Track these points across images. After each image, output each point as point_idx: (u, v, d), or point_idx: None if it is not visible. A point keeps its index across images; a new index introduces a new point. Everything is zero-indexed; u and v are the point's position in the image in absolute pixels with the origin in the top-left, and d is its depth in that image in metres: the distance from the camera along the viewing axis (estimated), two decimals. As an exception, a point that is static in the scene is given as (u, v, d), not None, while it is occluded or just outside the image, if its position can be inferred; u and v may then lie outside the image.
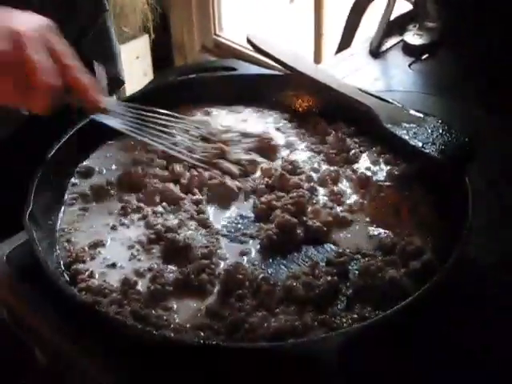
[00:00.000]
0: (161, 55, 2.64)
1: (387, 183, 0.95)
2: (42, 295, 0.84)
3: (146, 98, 1.05)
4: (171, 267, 0.86)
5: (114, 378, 0.77)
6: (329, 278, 0.82)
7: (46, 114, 0.86)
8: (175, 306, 0.82)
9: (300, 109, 1.10)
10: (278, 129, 1.07)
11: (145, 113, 0.95)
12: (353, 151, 1.02)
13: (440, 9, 1.35)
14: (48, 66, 0.82)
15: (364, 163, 1.01)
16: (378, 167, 1.00)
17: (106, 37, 1.24)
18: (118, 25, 2.44)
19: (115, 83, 1.28)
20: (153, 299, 0.82)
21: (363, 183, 0.97)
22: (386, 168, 0.99)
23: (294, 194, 0.93)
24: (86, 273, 0.85)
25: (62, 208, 0.94)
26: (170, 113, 0.98)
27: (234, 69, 1.12)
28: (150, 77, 2.63)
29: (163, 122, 0.96)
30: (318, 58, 2.21)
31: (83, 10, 1.17)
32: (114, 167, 1.01)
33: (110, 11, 1.23)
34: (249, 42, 1.13)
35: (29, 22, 0.82)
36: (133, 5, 2.42)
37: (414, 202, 0.92)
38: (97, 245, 0.89)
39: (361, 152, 1.03)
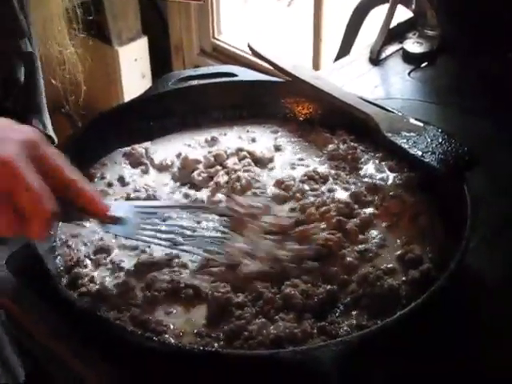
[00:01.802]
0: (159, 58, 2.64)
1: (391, 193, 0.95)
2: (42, 299, 0.84)
3: (144, 106, 1.06)
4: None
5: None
6: (328, 286, 0.83)
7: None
8: (174, 312, 0.82)
9: (301, 116, 1.11)
10: (279, 148, 1.06)
11: (158, 210, 0.90)
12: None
13: (440, 17, 1.35)
14: (44, 191, 0.73)
15: (368, 170, 1.01)
16: (383, 174, 1.00)
17: (36, 92, 1.16)
18: (117, 27, 2.46)
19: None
20: (150, 305, 0.82)
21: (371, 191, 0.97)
22: (390, 175, 0.99)
23: None
24: (86, 277, 0.85)
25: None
26: (184, 205, 0.94)
27: (234, 75, 1.12)
28: (148, 79, 2.63)
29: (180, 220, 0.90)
30: (316, 64, 2.21)
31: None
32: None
33: (36, 55, 1.13)
34: (250, 49, 1.14)
35: (16, 142, 0.73)
36: (131, 7, 2.43)
37: (415, 211, 0.93)
38: (99, 250, 0.90)
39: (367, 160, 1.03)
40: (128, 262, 0.88)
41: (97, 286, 0.84)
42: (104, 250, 0.90)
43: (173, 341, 0.77)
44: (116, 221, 0.83)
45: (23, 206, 0.72)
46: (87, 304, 0.81)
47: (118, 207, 0.84)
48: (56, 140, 1.17)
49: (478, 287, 0.88)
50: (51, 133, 1.18)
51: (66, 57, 1.21)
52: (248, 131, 1.09)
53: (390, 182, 0.98)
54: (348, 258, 0.86)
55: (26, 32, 1.07)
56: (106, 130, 1.04)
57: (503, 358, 0.81)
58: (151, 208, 0.89)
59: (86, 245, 0.91)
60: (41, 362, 0.88)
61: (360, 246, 0.89)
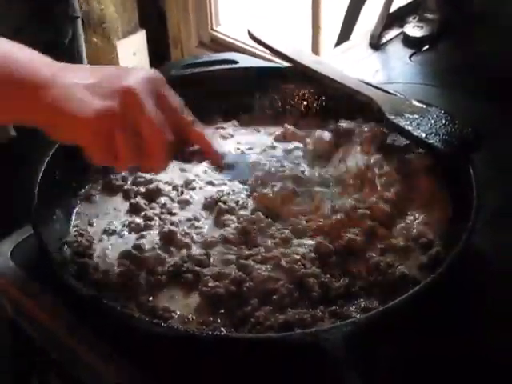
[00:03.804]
0: (157, 51, 2.64)
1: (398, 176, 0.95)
2: (48, 290, 0.84)
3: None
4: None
5: (126, 375, 0.78)
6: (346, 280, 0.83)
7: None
8: (176, 297, 0.83)
9: (303, 102, 1.10)
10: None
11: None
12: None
13: (440, 0, 1.35)
14: (163, 123, 0.77)
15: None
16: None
17: (78, 47, 1.22)
18: (114, 22, 2.45)
19: None
20: (154, 290, 0.83)
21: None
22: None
23: None
24: (93, 266, 0.85)
25: (69, 201, 0.95)
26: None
27: (235, 62, 1.11)
28: (147, 72, 2.62)
29: None
30: (315, 51, 2.20)
31: (55, 19, 1.14)
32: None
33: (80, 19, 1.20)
34: (249, 34, 1.13)
35: (138, 77, 0.77)
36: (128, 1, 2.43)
37: (422, 194, 0.92)
38: (106, 234, 0.90)
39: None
40: (130, 247, 0.88)
41: (101, 275, 0.84)
42: (110, 233, 0.91)
43: (181, 327, 0.77)
44: (228, 167, 0.90)
45: (144, 134, 0.76)
46: (94, 293, 0.81)
47: (229, 155, 0.91)
48: None
49: (482, 269, 0.87)
50: None
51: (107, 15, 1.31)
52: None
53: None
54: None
55: None
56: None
57: (508, 340, 0.80)
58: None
59: (93, 229, 0.91)
60: (49, 355, 0.88)
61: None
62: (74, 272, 0.84)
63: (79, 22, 1.21)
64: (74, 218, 0.93)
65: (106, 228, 0.92)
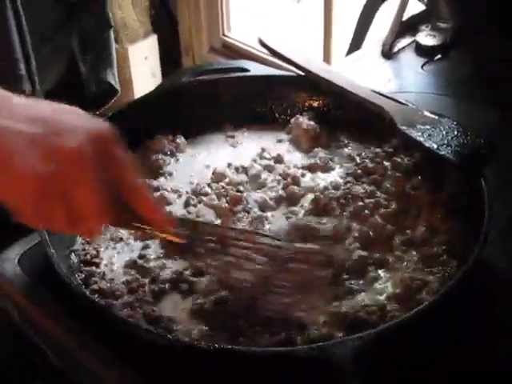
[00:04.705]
0: (169, 56, 2.64)
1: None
2: (54, 297, 0.84)
3: (159, 101, 1.05)
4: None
5: (129, 381, 0.77)
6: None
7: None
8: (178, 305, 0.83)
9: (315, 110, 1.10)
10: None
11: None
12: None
13: (453, 9, 1.34)
14: (106, 193, 0.70)
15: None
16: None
17: (108, 52, 1.23)
18: (126, 27, 2.46)
19: (110, 93, 1.27)
20: (157, 298, 0.83)
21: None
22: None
23: None
24: (99, 275, 0.85)
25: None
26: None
27: (246, 70, 1.11)
28: (158, 77, 2.63)
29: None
30: (326, 60, 2.20)
31: (87, 25, 1.16)
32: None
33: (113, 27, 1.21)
34: (260, 42, 1.12)
35: (86, 134, 0.68)
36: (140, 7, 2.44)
37: (431, 205, 0.92)
38: (113, 241, 0.90)
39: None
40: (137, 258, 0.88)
41: (109, 284, 0.84)
42: (117, 241, 0.90)
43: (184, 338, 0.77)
44: (180, 238, 0.79)
45: (80, 205, 0.69)
46: (100, 302, 0.81)
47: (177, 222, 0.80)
48: (120, 92, 1.26)
49: (491, 279, 0.87)
50: (118, 86, 1.25)
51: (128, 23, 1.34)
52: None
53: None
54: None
55: None
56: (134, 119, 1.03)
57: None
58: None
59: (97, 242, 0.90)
60: (53, 361, 0.88)
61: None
62: (80, 280, 0.84)
63: (111, 31, 1.21)
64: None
65: (113, 236, 0.91)
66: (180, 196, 0.97)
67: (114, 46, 1.27)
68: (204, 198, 0.96)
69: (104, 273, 0.86)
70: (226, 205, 0.95)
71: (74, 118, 0.70)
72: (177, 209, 0.95)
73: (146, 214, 0.75)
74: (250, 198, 0.95)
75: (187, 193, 0.98)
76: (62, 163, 0.67)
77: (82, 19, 1.16)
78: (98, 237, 0.81)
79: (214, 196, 0.96)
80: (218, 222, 0.93)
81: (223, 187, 0.97)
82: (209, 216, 0.94)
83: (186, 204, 0.96)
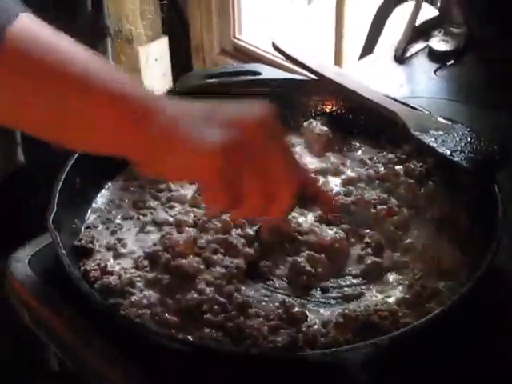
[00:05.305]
0: (179, 58, 2.64)
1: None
2: (65, 298, 0.84)
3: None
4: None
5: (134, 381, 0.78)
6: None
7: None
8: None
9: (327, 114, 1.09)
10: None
11: None
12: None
13: (465, 14, 1.33)
14: (293, 164, 0.68)
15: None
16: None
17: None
18: (137, 27, 2.46)
19: None
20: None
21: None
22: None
23: None
24: (110, 274, 0.85)
25: (88, 210, 0.94)
26: None
27: (259, 73, 1.10)
28: (168, 79, 2.63)
29: None
30: (338, 62, 2.19)
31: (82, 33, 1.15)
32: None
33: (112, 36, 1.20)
34: (273, 45, 1.12)
35: (258, 113, 0.66)
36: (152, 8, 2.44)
37: (444, 212, 0.91)
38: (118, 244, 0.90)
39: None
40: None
41: (118, 284, 0.83)
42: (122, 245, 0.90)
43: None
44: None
45: (274, 175, 0.65)
46: (109, 302, 0.80)
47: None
48: None
49: (503, 285, 0.86)
50: None
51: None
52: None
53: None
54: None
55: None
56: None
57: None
58: None
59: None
60: (64, 362, 0.88)
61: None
62: (90, 280, 0.84)
63: (108, 39, 1.20)
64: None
65: None
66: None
67: (110, 54, 1.26)
68: None
69: (112, 272, 0.85)
70: None
71: (238, 104, 0.69)
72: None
73: (324, 199, 0.79)
74: None
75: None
76: (245, 130, 0.64)
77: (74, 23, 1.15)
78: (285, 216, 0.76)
79: None
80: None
81: None
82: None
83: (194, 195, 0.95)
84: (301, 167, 0.73)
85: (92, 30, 1.14)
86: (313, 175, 0.79)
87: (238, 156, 0.63)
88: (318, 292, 0.84)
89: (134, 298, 0.81)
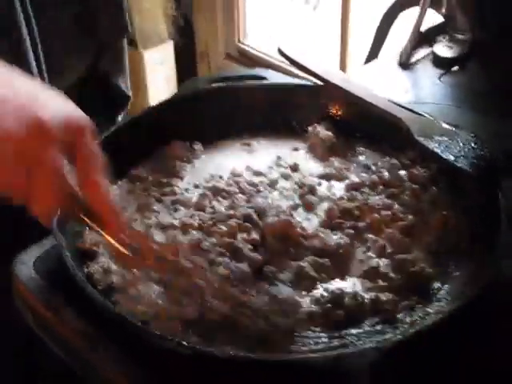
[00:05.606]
0: (184, 62, 2.65)
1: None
2: (69, 301, 0.84)
3: (177, 107, 1.05)
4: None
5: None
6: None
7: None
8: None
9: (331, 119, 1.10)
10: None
11: None
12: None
13: (470, 21, 1.34)
14: (61, 177, 0.69)
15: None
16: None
17: (122, 56, 1.24)
18: (143, 31, 2.47)
19: (124, 99, 1.27)
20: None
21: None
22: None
23: None
24: (114, 278, 0.85)
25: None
26: None
27: (264, 78, 1.11)
28: (173, 83, 2.63)
29: None
30: (343, 67, 2.20)
31: (104, 30, 1.16)
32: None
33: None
34: (280, 52, 1.12)
35: (57, 111, 0.69)
36: (158, 12, 2.45)
37: (448, 217, 0.91)
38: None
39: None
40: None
41: (121, 283, 0.84)
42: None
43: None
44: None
45: (36, 182, 0.69)
46: (116, 309, 0.80)
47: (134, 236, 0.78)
48: (131, 99, 1.26)
49: (509, 292, 0.86)
50: (130, 92, 1.25)
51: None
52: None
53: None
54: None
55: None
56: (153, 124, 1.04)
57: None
58: None
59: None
60: (69, 367, 0.88)
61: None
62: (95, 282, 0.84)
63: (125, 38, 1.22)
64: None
65: None
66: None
67: (126, 52, 1.27)
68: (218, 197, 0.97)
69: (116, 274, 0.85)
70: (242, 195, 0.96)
71: (57, 99, 0.71)
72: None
73: (99, 211, 0.74)
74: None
75: (196, 186, 0.99)
76: (28, 129, 0.67)
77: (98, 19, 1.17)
78: (49, 222, 0.76)
79: (230, 188, 0.97)
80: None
81: (239, 182, 0.98)
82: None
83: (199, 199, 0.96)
84: (68, 181, 0.72)
85: (115, 28, 1.16)
86: (106, 192, 0.72)
87: (19, 148, 0.67)
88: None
89: (137, 299, 0.82)
